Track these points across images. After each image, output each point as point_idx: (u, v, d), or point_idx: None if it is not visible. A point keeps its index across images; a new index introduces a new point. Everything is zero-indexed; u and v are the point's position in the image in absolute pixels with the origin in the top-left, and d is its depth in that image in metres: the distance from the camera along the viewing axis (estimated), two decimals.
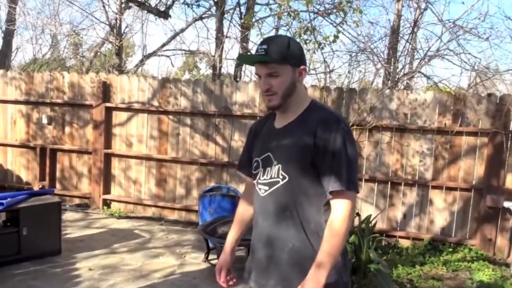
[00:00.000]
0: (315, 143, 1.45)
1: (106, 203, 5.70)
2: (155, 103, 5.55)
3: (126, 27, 7.53)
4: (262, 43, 1.53)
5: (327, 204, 1.48)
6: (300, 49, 1.57)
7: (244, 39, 9.06)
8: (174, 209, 5.53)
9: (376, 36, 8.53)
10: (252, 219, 1.73)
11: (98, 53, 9.47)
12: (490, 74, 7.13)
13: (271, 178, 1.55)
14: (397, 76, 7.63)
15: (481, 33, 7.12)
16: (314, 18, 5.79)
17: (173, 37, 9.49)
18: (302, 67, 1.54)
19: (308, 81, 8.12)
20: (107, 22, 6.58)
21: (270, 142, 1.59)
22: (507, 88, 8.03)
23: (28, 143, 5.92)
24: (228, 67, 16.74)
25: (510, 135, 4.56)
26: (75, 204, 5.75)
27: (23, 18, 9.27)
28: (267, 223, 1.57)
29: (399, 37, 7.90)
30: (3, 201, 3.78)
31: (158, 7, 4.88)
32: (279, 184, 1.52)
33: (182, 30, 9.55)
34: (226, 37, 9.35)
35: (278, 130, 1.59)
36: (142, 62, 9.02)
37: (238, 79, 7.74)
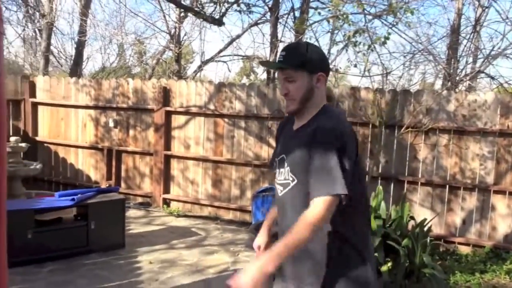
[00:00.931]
0: (312, 151, 1.50)
1: (166, 202, 6.01)
2: (211, 106, 5.78)
3: (185, 35, 7.92)
4: (282, 50, 1.62)
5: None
6: (319, 56, 1.63)
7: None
8: (229, 209, 5.71)
9: (435, 37, 8.22)
10: None
11: (160, 61, 10.00)
12: None
13: (284, 179, 1.62)
14: (458, 77, 7.32)
15: None
16: (369, 21, 5.77)
17: (229, 43, 9.77)
18: (320, 73, 1.58)
19: (364, 83, 8.03)
20: (167, 31, 6.98)
21: (286, 144, 1.67)
22: None
23: (96, 145, 6.40)
24: None
25: None
26: (138, 203, 6.12)
27: (93, 29, 10.03)
28: (284, 222, 1.64)
29: (460, 37, 7.58)
30: (74, 197, 4.16)
31: (213, 15, 5.10)
32: (290, 186, 1.59)
33: (238, 36, 9.81)
34: (280, 41, 9.48)
35: (293, 133, 1.67)
36: (200, 68, 9.39)
37: None
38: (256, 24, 8.90)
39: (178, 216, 5.70)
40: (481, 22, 7.56)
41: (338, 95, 5.22)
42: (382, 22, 6.14)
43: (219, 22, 5.17)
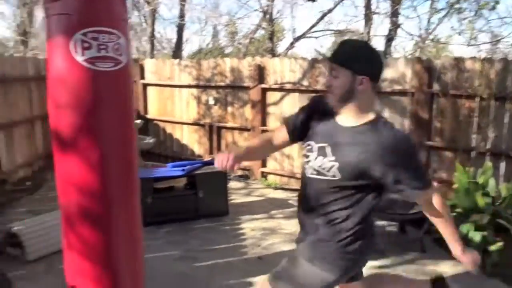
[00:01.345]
0: (380, 169, 1.58)
1: (263, 175, 6.31)
2: (305, 83, 5.87)
3: (277, 12, 8.01)
4: (339, 44, 1.66)
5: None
6: (371, 60, 1.61)
7: (395, 13, 8.72)
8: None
9: None
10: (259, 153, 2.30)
11: (252, 39, 10.29)
12: None
13: (322, 168, 1.67)
14: None
15: None
16: None
17: (321, 18, 9.66)
18: (364, 76, 1.57)
19: (469, 53, 7.45)
20: (260, 10, 7.13)
21: (331, 134, 1.68)
22: None
23: (198, 121, 6.89)
24: (378, 43, 16.18)
25: None
26: (237, 175, 6.51)
27: (190, 13, 10.62)
28: (306, 202, 1.80)
29: None
30: (184, 168, 4.60)
31: None
32: (327, 177, 1.66)
33: (330, 11, 9.65)
34: (374, 13, 9.12)
35: (341, 128, 1.67)
36: (292, 44, 9.46)
37: (387, 55, 7.56)
38: None
39: (276, 188, 5.97)
40: None
41: (440, 66, 4.96)
42: None
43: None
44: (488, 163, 4.01)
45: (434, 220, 1.73)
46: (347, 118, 1.66)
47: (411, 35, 6.85)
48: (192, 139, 7.05)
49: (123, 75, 1.88)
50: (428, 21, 8.12)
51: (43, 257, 3.52)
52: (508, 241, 3.27)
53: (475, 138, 4.70)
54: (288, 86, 5.99)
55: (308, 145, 1.75)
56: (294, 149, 6.06)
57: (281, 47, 13.41)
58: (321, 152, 1.68)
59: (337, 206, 1.69)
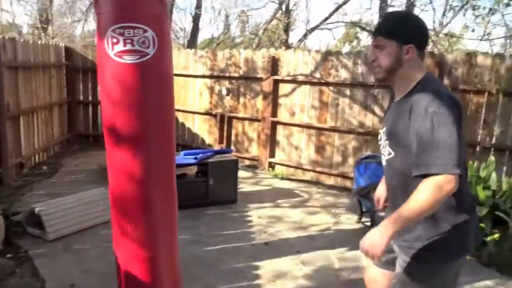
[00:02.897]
0: (409, 127, 1.55)
1: (271, 166, 6.45)
2: (317, 75, 5.95)
3: (294, 5, 8.07)
4: (382, 17, 1.72)
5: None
6: (415, 28, 1.63)
7: (410, 6, 8.69)
8: (330, 174, 5.94)
9: None
10: None
11: (267, 30, 10.35)
12: None
13: (385, 150, 1.73)
14: None
15: None
16: None
17: (335, 10, 9.69)
18: (410, 45, 1.60)
19: (482, 48, 7.43)
20: (277, 1, 7.18)
21: (389, 115, 1.75)
22: None
23: (210, 111, 7.04)
24: None
25: None
26: (246, 165, 6.67)
27: (205, 2, 10.71)
28: (388, 183, 1.82)
29: None
30: (196, 156, 4.76)
31: None
32: (389, 157, 1.70)
33: (345, 2, 9.66)
34: (390, 6, 9.11)
35: (394, 105, 1.73)
36: (305, 36, 9.51)
37: None
38: None
39: (282, 178, 6.11)
40: None
41: (452, 61, 5.00)
42: None
43: None
44: (492, 158, 4.08)
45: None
46: (399, 91, 1.70)
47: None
48: (203, 129, 7.21)
49: (152, 66, 2.04)
50: (443, 15, 8.09)
51: (62, 237, 3.74)
52: (505, 233, 3.37)
53: (481, 133, 4.76)
54: (300, 78, 6.08)
55: (379, 133, 1.82)
56: (302, 140, 6.18)
57: (292, 37, 13.46)
58: (383, 136, 1.76)
59: (407, 182, 1.62)
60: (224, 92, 6.82)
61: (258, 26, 11.52)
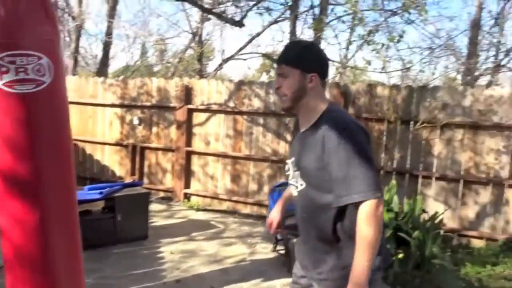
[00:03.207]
0: (323, 159, 1.53)
1: (187, 197, 6.26)
2: (231, 104, 5.98)
3: (207, 34, 8.13)
4: (286, 46, 1.71)
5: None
6: (317, 57, 1.66)
7: (318, 40, 9.22)
8: (247, 203, 5.91)
9: (457, 31, 8.18)
10: None
11: (182, 59, 10.29)
12: None
13: (295, 181, 1.69)
14: (478, 72, 7.28)
15: None
16: (386, 18, 5.82)
17: (249, 41, 9.93)
18: (313, 74, 1.61)
19: (384, 79, 8.07)
20: (190, 31, 7.18)
21: (296, 146, 1.71)
22: None
23: (121, 141, 6.70)
24: None
25: None
26: (160, 197, 6.39)
27: (118, 30, 10.40)
28: (299, 214, 1.73)
29: (481, 31, 7.52)
30: (102, 191, 4.43)
31: (234, 17, 5.29)
32: (302, 188, 1.66)
33: (258, 34, 9.96)
34: (299, 39, 9.56)
35: (301, 135, 1.70)
36: (220, 66, 9.60)
37: None
38: (275, 22, 9.03)
39: (198, 210, 5.94)
40: (504, 15, 7.48)
41: (355, 91, 5.32)
42: (401, 18, 6.21)
43: (239, 24, 5.36)
44: (393, 182, 4.34)
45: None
46: (304, 121, 1.68)
47: (332, 61, 7.29)
48: (113, 160, 6.83)
49: (48, 95, 1.84)
50: (347, 49, 8.69)
51: None
52: (408, 253, 3.55)
53: (383, 158, 5.07)
54: (214, 107, 6.06)
55: (287, 164, 1.77)
56: (217, 169, 6.11)
57: (210, 67, 13.57)
58: (292, 166, 1.71)
59: (316, 214, 1.62)
60: (136, 121, 6.56)
61: (175, 55, 11.44)
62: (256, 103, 5.83)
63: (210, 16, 6.98)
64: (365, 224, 1.44)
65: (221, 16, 4.94)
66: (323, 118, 1.60)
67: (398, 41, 4.57)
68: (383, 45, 4.45)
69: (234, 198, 5.96)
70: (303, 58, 1.63)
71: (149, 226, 4.74)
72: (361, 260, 1.44)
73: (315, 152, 1.56)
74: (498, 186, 4.65)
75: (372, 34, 4.48)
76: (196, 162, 6.26)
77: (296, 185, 1.70)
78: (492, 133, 4.67)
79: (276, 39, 8.59)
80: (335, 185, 1.50)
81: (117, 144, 6.75)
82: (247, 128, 5.91)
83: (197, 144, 6.23)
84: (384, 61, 6.64)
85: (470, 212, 4.80)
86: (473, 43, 7.44)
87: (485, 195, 4.73)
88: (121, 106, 6.70)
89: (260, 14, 5.06)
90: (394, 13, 5.38)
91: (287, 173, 1.77)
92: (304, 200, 1.67)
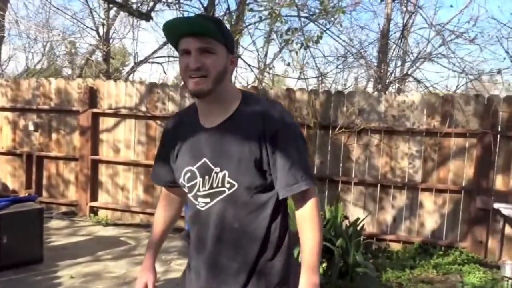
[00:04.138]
0: (265, 144, 1.29)
1: (93, 211, 5.61)
2: (143, 108, 5.49)
3: (113, 32, 7.47)
4: (194, 16, 1.36)
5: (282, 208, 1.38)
6: (232, 37, 1.39)
7: (235, 45, 9.05)
8: None
9: (367, 41, 8.54)
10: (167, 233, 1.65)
11: (89, 60, 9.45)
12: (476, 75, 7.12)
13: (213, 188, 1.34)
14: (387, 80, 7.61)
15: (470, 37, 7.17)
16: (304, 25, 5.80)
17: (164, 44, 9.44)
18: (232, 55, 1.34)
19: (301, 85, 8.14)
20: (94, 28, 6.49)
21: (203, 145, 1.36)
22: (500, 92, 8.01)
23: (14, 150, 5.84)
24: None
25: (498, 135, 4.51)
26: (61, 212, 5.66)
27: (13, 26, 9.24)
28: (211, 240, 1.37)
29: (390, 42, 7.90)
30: None
31: (140, 9, 4.79)
32: (225, 194, 1.32)
33: None
34: None
35: (211, 130, 1.35)
36: (133, 69, 8.98)
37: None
38: None
39: (107, 225, 5.33)
40: (408, 28, 7.93)
41: (274, 95, 5.17)
42: (316, 25, 6.23)
43: (146, 17, 4.88)
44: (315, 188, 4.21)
45: (301, 239, 1.35)
46: (214, 111, 1.34)
47: (250, 66, 7.15)
48: (4, 171, 5.92)
49: None
50: (265, 55, 8.63)
51: None
52: (332, 262, 3.41)
53: None
54: (124, 111, 5.52)
55: (188, 172, 1.38)
56: (129, 179, 5.57)
57: (126, 72, 12.72)
58: (204, 171, 1.34)
59: (251, 218, 1.34)
60: (31, 127, 5.75)
61: (82, 56, 10.50)
62: (171, 107, 5.42)
63: (116, 10, 6.38)
64: (316, 210, 1.33)
65: (123, 6, 4.41)
66: (247, 104, 1.35)
67: (317, 42, 4.49)
68: (302, 44, 4.34)
69: (148, 210, 5.45)
70: (226, 34, 1.31)
71: (45, 247, 4.08)
72: (316, 245, 1.32)
73: (249, 143, 1.29)
74: (413, 190, 4.77)
75: (291, 32, 4.33)
76: (104, 172, 5.64)
77: (206, 200, 1.35)
78: (405, 138, 4.79)
79: None
80: (282, 174, 1.30)
81: (8, 153, 5.87)
82: (161, 134, 5.45)
83: (105, 152, 5.62)
84: (301, 64, 6.66)
85: (388, 216, 4.87)
86: (383, 52, 7.79)
87: (401, 199, 4.83)
88: (12, 109, 5.84)
89: (168, 6, 4.60)
90: (311, 19, 5.34)
91: (188, 184, 1.38)
92: (228, 210, 1.34)
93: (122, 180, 5.60)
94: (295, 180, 1.29)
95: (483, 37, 7.27)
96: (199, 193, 1.37)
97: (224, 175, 1.32)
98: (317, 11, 4.95)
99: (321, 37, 4.45)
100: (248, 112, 1.33)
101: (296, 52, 4.47)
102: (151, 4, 4.92)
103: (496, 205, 4.39)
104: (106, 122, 5.62)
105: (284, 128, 1.30)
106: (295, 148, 1.31)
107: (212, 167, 1.33)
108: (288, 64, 4.94)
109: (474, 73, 7.11)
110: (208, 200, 1.35)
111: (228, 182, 1.31)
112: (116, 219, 5.53)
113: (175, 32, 1.29)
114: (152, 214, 5.44)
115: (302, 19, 5.67)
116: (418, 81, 7.69)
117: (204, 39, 1.25)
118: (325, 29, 5.80)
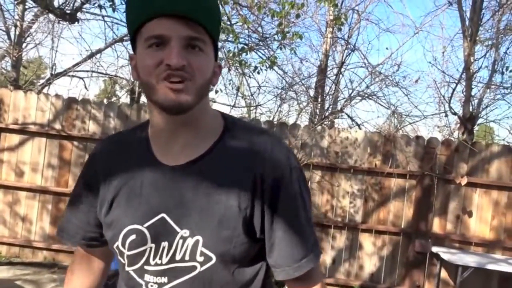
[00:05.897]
0: (262, 198, 0.86)
1: None
2: (57, 126, 4.74)
3: (27, 36, 6.56)
4: None
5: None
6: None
7: None
8: (72, 252, 4.63)
9: (305, 74, 8.56)
10: None
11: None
12: (405, 115, 7.41)
13: (175, 261, 0.86)
14: (323, 115, 7.59)
15: (397, 80, 7.47)
16: (257, 45, 5.50)
17: (89, 57, 8.63)
18: (218, 63, 0.91)
19: (237, 114, 7.84)
20: (3, 28, 5.57)
21: (161, 193, 0.87)
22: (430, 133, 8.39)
23: None
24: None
25: (437, 178, 4.50)
26: None
27: None
28: None
29: (326, 77, 7.95)
30: None
31: (63, 9, 4.11)
32: (195, 272, 0.85)
33: (100, 51, 8.76)
34: None
35: (175, 170, 0.87)
36: (48, 81, 8.01)
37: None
38: (121, 40, 8.03)
39: (0, 263, 4.39)
40: (345, 65, 8.06)
41: None
42: (258, 54, 5.97)
43: (71, 18, 4.21)
44: None
45: None
46: (189, 141, 0.87)
47: None
48: None
49: None
50: None
51: None
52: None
53: None
54: (33, 128, 4.72)
55: (130, 232, 0.87)
56: (33, 209, 4.71)
57: (40, 84, 11.47)
58: (162, 232, 0.86)
59: None
60: None
61: None
62: (92, 127, 4.73)
63: (29, 6, 5.55)
64: None
65: (43, 1, 3.71)
66: (233, 133, 0.90)
67: (271, 67, 4.20)
68: (256, 68, 4.02)
69: (55, 247, 4.62)
70: (218, 28, 0.88)
71: None
72: None
73: (237, 194, 0.85)
74: (353, 230, 4.56)
75: (245, 53, 4.00)
76: (1, 198, 4.71)
77: (161, 280, 0.86)
78: (347, 175, 4.60)
79: (121, 58, 7.55)
80: (284, 243, 0.87)
81: None
82: (78, 157, 4.72)
83: (5, 175, 4.72)
84: (242, 89, 6.34)
85: (327, 257, 4.58)
86: (320, 87, 7.79)
87: (341, 239, 4.58)
88: None
89: (100, 7, 3.98)
90: (265, 38, 5.06)
91: (129, 253, 0.88)
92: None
93: (24, 209, 4.71)
94: (304, 253, 0.88)
95: (410, 80, 7.60)
96: (148, 268, 0.87)
97: (197, 242, 0.84)
98: (273, 32, 4.71)
99: (275, 63, 4.17)
100: (235, 146, 0.88)
101: (243, 78, 4.14)
102: (78, 3, 4.26)
103: (434, 249, 4.31)
104: (9, 140, 4.74)
105: (290, 175, 0.88)
106: (303, 205, 0.89)
107: (176, 228, 0.85)
108: (220, 91, 4.55)
109: (404, 114, 7.35)
110: (164, 280, 0.87)
111: (202, 254, 0.84)
112: (13, 256, 4.61)
113: (148, 4, 0.79)
114: (59, 250, 4.63)
115: (253, 40, 5.38)
116: (351, 118, 7.77)
117: (194, 25, 0.79)
118: (275, 54, 5.57)
